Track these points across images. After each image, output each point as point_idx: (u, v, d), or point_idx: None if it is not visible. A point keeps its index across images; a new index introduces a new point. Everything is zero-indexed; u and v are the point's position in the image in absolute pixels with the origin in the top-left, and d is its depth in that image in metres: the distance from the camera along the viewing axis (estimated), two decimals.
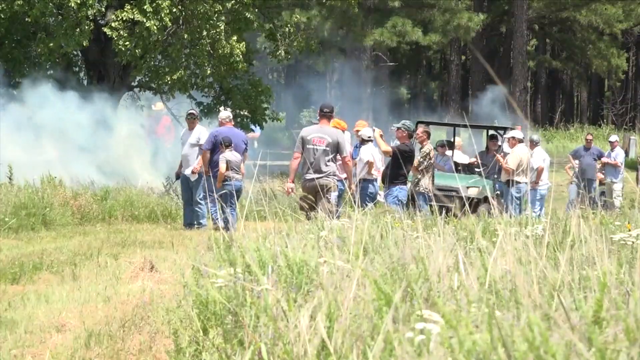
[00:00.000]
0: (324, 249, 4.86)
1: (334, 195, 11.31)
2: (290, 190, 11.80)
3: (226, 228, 13.52)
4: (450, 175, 16.56)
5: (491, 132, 18.97)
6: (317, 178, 11.15)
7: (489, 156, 17.27)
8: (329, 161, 11.38)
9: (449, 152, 18.60)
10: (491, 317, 2.92)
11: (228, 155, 13.89)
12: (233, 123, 15.05)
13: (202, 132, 14.90)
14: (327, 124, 11.70)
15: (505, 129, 18.40)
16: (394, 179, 13.25)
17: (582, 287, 3.79)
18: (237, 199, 13.62)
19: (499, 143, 17.76)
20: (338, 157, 11.56)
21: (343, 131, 12.94)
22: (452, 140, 19.87)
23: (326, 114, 11.71)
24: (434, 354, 2.95)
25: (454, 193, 15.34)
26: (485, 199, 16.23)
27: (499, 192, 15.68)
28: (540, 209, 16.51)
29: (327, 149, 11.36)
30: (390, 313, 3.27)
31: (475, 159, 17.90)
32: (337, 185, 11.65)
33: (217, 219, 13.77)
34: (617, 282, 3.79)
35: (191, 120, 15.08)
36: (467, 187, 16.76)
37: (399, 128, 13.59)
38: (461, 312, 3.21)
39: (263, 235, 5.42)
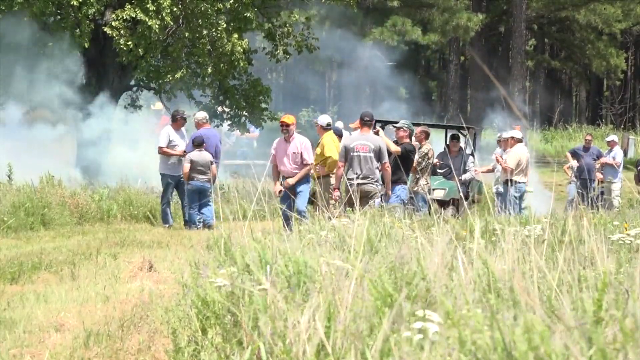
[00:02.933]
0: (324, 249, 4.85)
1: (377, 201, 11.48)
2: (337, 197, 12.01)
3: (188, 226, 13.97)
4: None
5: (453, 132, 18.30)
6: (362, 184, 11.55)
7: (450, 157, 16.85)
8: (373, 167, 11.86)
9: None
10: (492, 317, 2.92)
11: (193, 155, 14.16)
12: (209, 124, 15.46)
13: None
14: (368, 132, 12.20)
15: (467, 129, 17.85)
16: (397, 178, 13.23)
17: (581, 287, 3.79)
18: (204, 199, 14.08)
19: (461, 144, 17.31)
20: None
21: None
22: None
23: (367, 122, 12.23)
24: (433, 353, 2.95)
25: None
26: (451, 202, 15.95)
27: (462, 195, 15.48)
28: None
29: (371, 155, 11.85)
30: (391, 313, 3.27)
31: (436, 161, 17.36)
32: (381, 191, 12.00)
33: (193, 221, 14.15)
34: (616, 282, 3.78)
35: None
36: (433, 190, 16.16)
37: (400, 127, 13.54)
38: (462, 311, 3.20)
39: (263, 235, 5.41)
